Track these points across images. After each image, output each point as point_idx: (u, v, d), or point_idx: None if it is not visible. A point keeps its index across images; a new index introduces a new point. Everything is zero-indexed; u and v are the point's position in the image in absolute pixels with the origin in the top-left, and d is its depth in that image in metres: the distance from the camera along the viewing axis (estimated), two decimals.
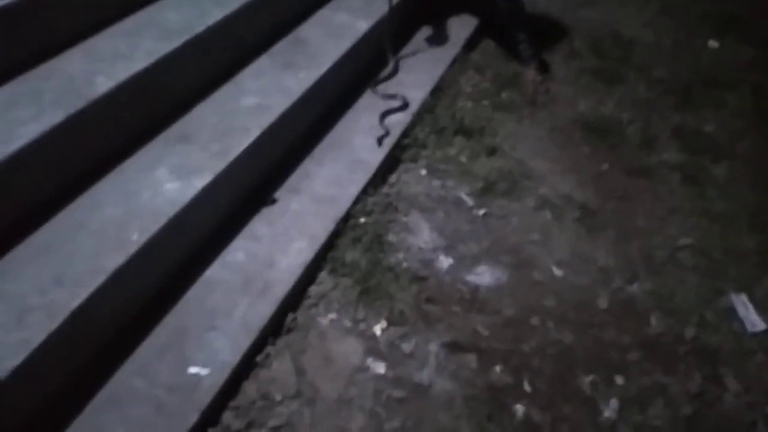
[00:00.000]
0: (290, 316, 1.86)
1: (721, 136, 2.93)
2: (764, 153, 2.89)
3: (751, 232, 2.43)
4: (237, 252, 1.95)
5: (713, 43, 3.72)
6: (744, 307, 2.14)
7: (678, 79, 3.27)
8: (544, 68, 3.12)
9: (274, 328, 1.81)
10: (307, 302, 1.93)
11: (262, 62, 2.46)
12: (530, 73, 3.04)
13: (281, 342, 1.81)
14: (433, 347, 1.88)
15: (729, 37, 3.79)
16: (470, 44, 3.17)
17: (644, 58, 3.44)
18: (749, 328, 2.08)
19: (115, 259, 1.60)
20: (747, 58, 3.63)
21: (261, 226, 2.05)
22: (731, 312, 2.13)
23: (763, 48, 3.72)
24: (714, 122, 3.02)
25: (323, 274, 2.01)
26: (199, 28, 2.21)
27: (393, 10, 2.76)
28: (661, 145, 2.81)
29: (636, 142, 2.81)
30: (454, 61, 2.99)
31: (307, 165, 2.33)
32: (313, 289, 1.97)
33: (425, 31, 3.13)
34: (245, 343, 1.70)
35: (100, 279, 1.55)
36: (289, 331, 1.84)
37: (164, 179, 1.87)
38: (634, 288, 2.16)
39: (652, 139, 2.83)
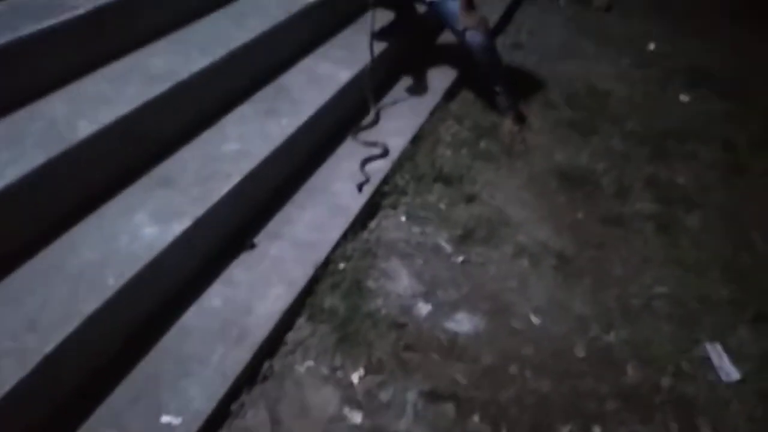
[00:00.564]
0: (266, 364, 1.84)
1: (694, 188, 3.01)
2: (735, 204, 2.96)
3: (724, 281, 2.47)
4: (214, 298, 1.94)
5: (684, 97, 3.85)
6: (718, 356, 2.16)
7: (651, 132, 3.37)
8: (521, 119, 3.20)
9: (250, 376, 1.79)
10: (284, 349, 1.91)
11: (245, 109, 2.50)
12: (508, 124, 3.11)
13: (257, 390, 1.78)
14: (411, 396, 1.86)
15: (700, 92, 3.92)
16: (450, 94, 3.24)
17: (618, 111, 3.53)
18: (724, 377, 2.09)
19: (90, 304, 1.59)
20: (717, 112, 3.75)
21: (239, 272, 2.05)
22: (706, 361, 2.15)
23: (732, 103, 3.86)
24: (686, 174, 3.10)
25: (301, 321, 2.00)
26: (184, 74, 2.25)
27: (375, 61, 2.83)
28: (635, 195, 2.87)
29: (611, 191, 2.87)
30: (434, 111, 3.06)
31: (288, 210, 2.34)
32: (291, 336, 1.95)
33: (406, 81, 3.20)
34: (220, 391, 1.67)
35: (73, 324, 1.53)
36: (265, 379, 1.82)
37: (143, 223, 1.87)
38: (611, 337, 2.18)
39: (627, 190, 2.89)
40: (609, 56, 4.20)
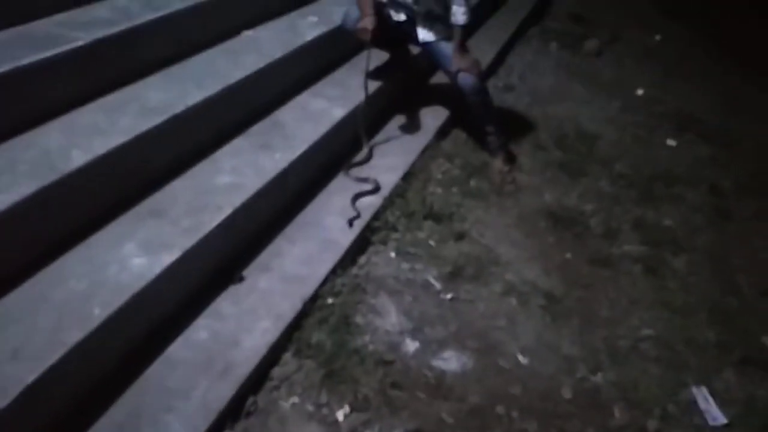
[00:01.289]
0: (251, 399, 1.82)
1: (681, 230, 3.05)
2: (721, 248, 3.00)
3: (710, 324, 2.49)
4: (201, 330, 1.93)
5: (672, 141, 3.93)
6: (705, 400, 2.16)
7: (639, 175, 3.42)
8: (511, 159, 3.24)
9: (234, 412, 1.76)
10: (269, 384, 1.89)
11: (239, 142, 2.52)
12: (498, 164, 3.15)
13: (240, 426, 1.75)
14: None
15: (687, 136, 4.01)
16: (441, 133, 3.29)
17: (607, 153, 3.60)
18: (710, 421, 2.09)
19: (75, 334, 1.58)
20: (704, 156, 3.83)
21: (227, 304, 2.04)
22: (693, 405, 2.14)
23: (718, 147, 3.94)
24: (673, 216, 3.14)
25: (287, 356, 1.98)
26: (179, 108, 2.28)
27: (369, 99, 2.88)
28: (623, 236, 2.91)
29: (599, 233, 2.90)
30: (426, 149, 3.10)
31: (278, 243, 2.34)
32: (276, 371, 1.93)
33: (399, 120, 3.25)
34: (202, 426, 1.65)
35: (57, 354, 1.51)
36: (249, 414, 1.79)
37: (132, 254, 1.87)
38: (598, 378, 2.18)
39: (615, 231, 2.92)
40: (599, 100, 4.29)
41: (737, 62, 5.53)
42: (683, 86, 4.80)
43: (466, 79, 2.93)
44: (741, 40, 5.88)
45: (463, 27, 2.85)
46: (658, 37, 5.72)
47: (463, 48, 2.92)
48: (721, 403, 2.15)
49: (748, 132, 4.27)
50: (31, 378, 1.44)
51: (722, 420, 2.09)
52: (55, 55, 2.10)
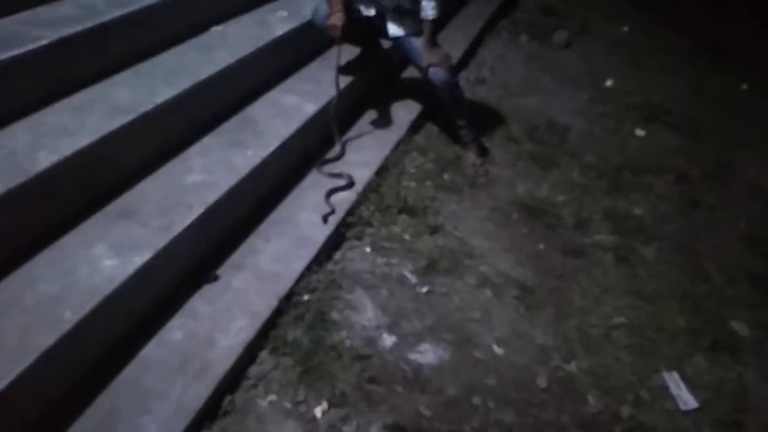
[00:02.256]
0: (228, 398, 1.81)
1: (650, 219, 3.11)
2: (690, 235, 3.07)
3: (680, 311, 2.55)
4: (175, 330, 1.91)
5: (640, 132, 3.99)
6: (676, 385, 2.21)
7: (608, 165, 3.47)
8: (483, 152, 3.26)
9: (211, 411, 1.75)
10: (246, 383, 1.88)
11: (210, 140, 2.49)
12: (471, 156, 3.17)
13: (217, 426, 1.75)
14: (375, 429, 1.85)
15: (654, 126, 4.08)
16: (414, 127, 3.30)
17: (577, 145, 3.64)
18: (682, 406, 2.14)
19: (46, 338, 1.56)
20: (672, 146, 3.90)
21: (201, 304, 2.02)
22: (665, 390, 2.19)
23: (686, 137, 4.02)
24: (643, 206, 3.20)
25: (264, 354, 1.98)
26: (148, 106, 2.25)
27: (341, 94, 2.87)
28: (594, 226, 2.95)
29: (570, 223, 2.94)
30: (399, 143, 3.10)
31: (252, 241, 2.33)
32: (253, 369, 1.93)
33: (372, 114, 3.25)
34: (179, 427, 1.64)
35: (29, 359, 1.50)
36: (226, 414, 1.79)
37: (103, 255, 1.84)
38: (572, 366, 2.21)
39: (586, 221, 2.97)
40: (568, 92, 4.33)
41: (704, 52, 5.64)
42: (651, 77, 4.87)
43: (437, 74, 2.94)
44: (708, 30, 5.99)
45: (433, 21, 2.85)
46: (625, 28, 5.79)
47: (433, 42, 2.92)
48: (692, 388, 2.21)
49: (713, 122, 4.36)
50: (2, 384, 1.42)
51: (693, 404, 2.15)
52: (20, 54, 2.05)
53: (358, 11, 2.94)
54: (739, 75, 5.24)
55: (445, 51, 3.02)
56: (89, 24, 2.33)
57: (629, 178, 3.40)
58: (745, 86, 5.12)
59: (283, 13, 3.22)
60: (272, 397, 1.87)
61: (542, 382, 2.13)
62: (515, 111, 3.83)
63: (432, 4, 2.79)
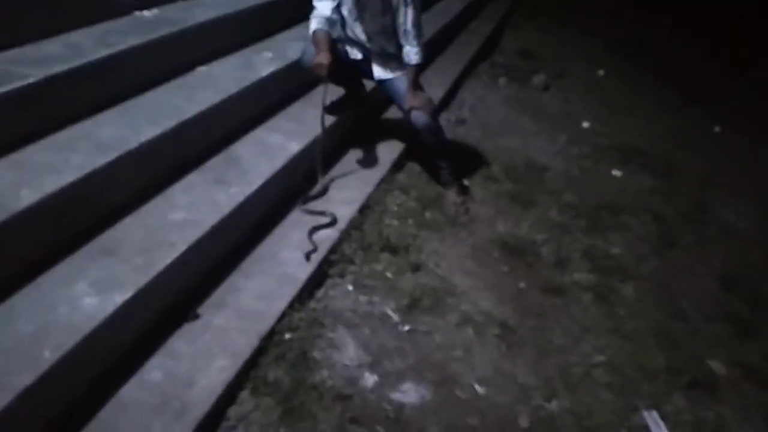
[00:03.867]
0: None
1: (628, 259, 3.16)
2: (667, 274, 3.12)
3: (659, 349, 2.58)
4: (154, 370, 1.89)
5: (617, 172, 4.09)
6: (656, 424, 2.22)
7: (586, 204, 3.54)
8: (464, 191, 3.31)
9: None
10: (225, 425, 1.86)
11: (194, 178, 2.50)
12: (452, 195, 3.22)
13: None
14: None
15: (631, 167, 4.18)
16: (396, 166, 3.34)
17: (555, 184, 3.71)
18: None
19: (23, 378, 1.53)
20: (647, 186, 4.00)
21: (181, 343, 2.00)
22: (644, 429, 2.20)
23: (661, 177, 4.12)
24: (620, 245, 3.25)
25: (244, 394, 1.96)
26: (133, 144, 2.26)
27: (325, 133, 2.91)
28: (573, 265, 2.99)
29: (550, 262, 2.98)
30: (381, 182, 3.14)
31: (234, 279, 2.32)
32: (233, 410, 1.91)
33: (355, 153, 3.29)
34: None
35: (5, 399, 1.47)
36: None
37: (83, 293, 1.83)
38: (553, 405, 2.22)
39: (565, 260, 3.01)
40: (546, 133, 4.43)
41: (677, 96, 5.83)
42: (626, 119, 5.01)
43: (419, 118, 3.00)
44: (681, 75, 6.20)
45: (417, 66, 2.93)
46: (601, 72, 5.97)
47: (416, 86, 2.99)
48: (672, 427, 2.22)
49: (688, 162, 4.48)
50: None
51: None
52: (6, 92, 2.07)
53: (345, 53, 3.01)
54: (712, 118, 5.42)
55: (428, 95, 3.09)
56: (76, 63, 2.36)
57: (607, 218, 3.46)
58: (717, 128, 5.28)
59: (269, 54, 3.29)
60: None
61: (524, 422, 2.13)
62: (495, 151, 3.90)
63: (416, 49, 2.87)
